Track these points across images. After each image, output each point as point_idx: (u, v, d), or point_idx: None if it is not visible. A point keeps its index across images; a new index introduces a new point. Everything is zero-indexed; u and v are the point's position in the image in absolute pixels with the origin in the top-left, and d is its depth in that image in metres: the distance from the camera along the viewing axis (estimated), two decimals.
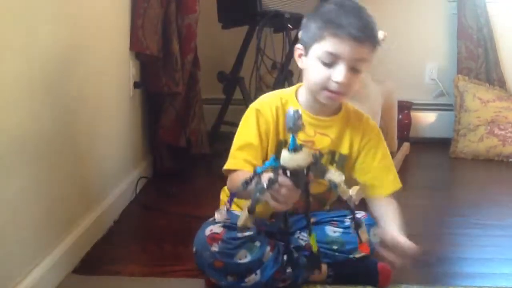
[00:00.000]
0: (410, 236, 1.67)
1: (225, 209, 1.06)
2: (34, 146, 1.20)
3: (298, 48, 1.22)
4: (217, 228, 1.22)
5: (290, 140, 0.95)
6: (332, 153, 1.26)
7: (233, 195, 1.07)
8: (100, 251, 1.51)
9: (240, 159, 1.20)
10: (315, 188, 1.22)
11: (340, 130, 1.25)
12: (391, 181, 1.27)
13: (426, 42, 2.86)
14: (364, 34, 1.13)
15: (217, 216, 1.08)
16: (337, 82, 1.14)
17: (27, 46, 1.16)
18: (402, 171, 2.34)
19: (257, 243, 1.22)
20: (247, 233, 1.20)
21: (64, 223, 1.38)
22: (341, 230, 1.29)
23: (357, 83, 1.18)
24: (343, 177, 1.01)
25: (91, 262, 1.43)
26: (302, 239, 1.30)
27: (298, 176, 0.96)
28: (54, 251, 1.30)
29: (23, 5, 1.13)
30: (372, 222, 1.27)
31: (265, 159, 1.21)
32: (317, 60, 1.16)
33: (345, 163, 1.27)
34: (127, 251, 1.53)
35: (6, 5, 1.07)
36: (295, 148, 0.95)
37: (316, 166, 0.99)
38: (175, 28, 2.04)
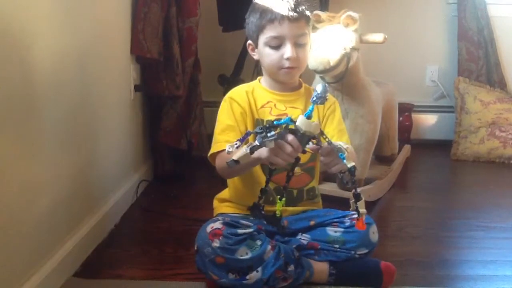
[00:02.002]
0: (412, 238, 1.68)
1: (235, 145, 1.10)
2: (34, 150, 1.20)
3: (249, 43, 1.38)
4: (218, 225, 1.25)
5: (309, 108, 1.11)
6: None
7: (247, 134, 1.14)
8: (101, 254, 1.51)
9: (222, 141, 1.30)
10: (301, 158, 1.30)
11: (306, 102, 1.38)
12: (344, 142, 1.32)
13: (427, 44, 2.85)
14: (296, 12, 1.29)
15: (228, 148, 1.11)
16: (288, 58, 1.29)
17: (27, 50, 1.16)
18: (403, 174, 2.34)
19: (258, 242, 1.24)
20: (248, 230, 1.25)
21: (65, 227, 1.38)
22: (342, 230, 1.32)
23: (306, 55, 1.34)
24: (349, 145, 1.16)
25: (92, 266, 1.43)
26: (304, 239, 1.33)
27: (302, 140, 1.11)
28: (55, 255, 1.30)
29: (23, 10, 1.13)
30: (371, 221, 1.33)
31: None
32: (266, 46, 1.32)
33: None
34: (128, 254, 1.53)
35: (5, 12, 1.07)
36: (310, 116, 1.11)
37: (323, 135, 1.15)
38: (176, 31, 2.05)
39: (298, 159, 1.18)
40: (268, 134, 1.08)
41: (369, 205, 1.91)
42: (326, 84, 1.12)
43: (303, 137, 1.11)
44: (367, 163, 1.98)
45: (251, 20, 1.34)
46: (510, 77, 2.79)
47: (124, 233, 1.68)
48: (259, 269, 1.23)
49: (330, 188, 1.92)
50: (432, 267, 1.48)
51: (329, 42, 1.79)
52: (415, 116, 2.81)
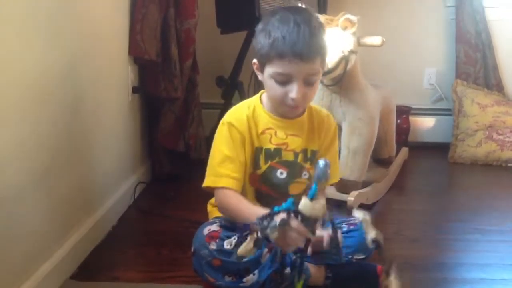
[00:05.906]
0: (409, 241, 1.68)
1: (234, 239, 1.14)
2: (32, 151, 1.20)
3: (255, 63, 1.26)
4: (215, 227, 1.25)
5: (312, 188, 1.01)
6: (305, 151, 1.32)
7: (246, 227, 1.11)
8: (98, 256, 1.50)
9: (223, 176, 1.24)
10: (295, 189, 1.31)
11: (308, 129, 1.32)
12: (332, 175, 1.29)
13: (425, 47, 2.86)
14: (309, 51, 1.14)
15: (226, 246, 1.14)
16: (293, 99, 1.19)
17: (25, 52, 1.16)
18: (401, 176, 2.34)
19: None
20: (245, 233, 1.23)
21: (62, 229, 1.38)
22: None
23: (314, 92, 1.23)
24: (368, 216, 1.13)
25: (89, 268, 1.43)
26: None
27: (308, 224, 1.02)
28: (52, 256, 1.30)
29: (22, 12, 1.13)
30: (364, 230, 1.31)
31: (244, 168, 1.26)
32: (272, 79, 1.20)
33: (315, 158, 1.32)
34: (125, 256, 1.53)
35: (6, 11, 1.07)
36: (314, 197, 1.01)
37: (330, 215, 1.07)
38: (174, 33, 2.04)
39: (309, 239, 1.08)
40: (270, 225, 1.01)
41: (366, 208, 1.91)
42: (327, 161, 0.99)
43: (309, 221, 1.02)
44: (365, 166, 1.98)
45: (260, 40, 1.19)
46: (507, 80, 2.80)
47: (122, 235, 1.68)
48: (256, 272, 1.22)
49: (329, 191, 1.92)
50: (429, 270, 1.48)
51: (327, 45, 1.79)
52: (412, 119, 2.82)
